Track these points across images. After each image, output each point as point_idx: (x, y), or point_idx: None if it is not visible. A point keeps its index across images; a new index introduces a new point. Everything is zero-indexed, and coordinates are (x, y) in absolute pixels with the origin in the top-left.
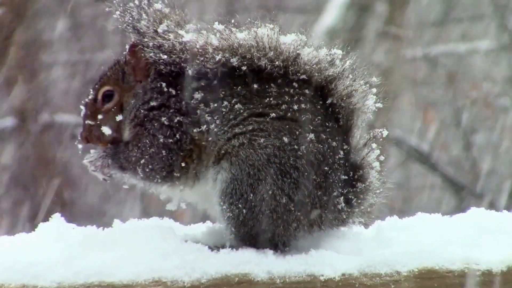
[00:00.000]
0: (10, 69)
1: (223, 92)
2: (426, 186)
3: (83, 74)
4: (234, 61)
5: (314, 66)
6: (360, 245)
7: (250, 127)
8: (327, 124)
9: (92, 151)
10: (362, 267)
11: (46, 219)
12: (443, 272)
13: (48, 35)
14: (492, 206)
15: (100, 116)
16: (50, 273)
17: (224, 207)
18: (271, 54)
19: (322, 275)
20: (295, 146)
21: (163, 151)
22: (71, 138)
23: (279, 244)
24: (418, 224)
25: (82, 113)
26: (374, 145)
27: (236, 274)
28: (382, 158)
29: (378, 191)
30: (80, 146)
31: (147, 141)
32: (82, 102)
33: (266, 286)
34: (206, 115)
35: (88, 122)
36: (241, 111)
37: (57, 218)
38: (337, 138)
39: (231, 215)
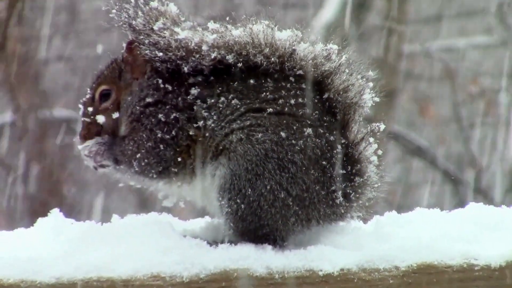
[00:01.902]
0: (9, 64)
1: (219, 88)
2: (425, 181)
3: (82, 69)
4: (230, 58)
5: (310, 61)
6: (359, 240)
7: (248, 122)
8: (325, 119)
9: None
10: (361, 262)
11: (44, 214)
12: (442, 267)
13: (47, 30)
14: (491, 201)
15: (97, 115)
16: (49, 268)
17: (223, 202)
18: (267, 50)
19: (321, 270)
20: (293, 141)
21: (161, 146)
22: (69, 132)
23: (278, 239)
24: (417, 219)
25: (81, 112)
26: (371, 139)
27: (235, 269)
28: (380, 152)
29: (376, 185)
30: (78, 144)
31: (144, 135)
32: (80, 101)
33: (265, 281)
34: (203, 111)
35: (85, 120)
36: (238, 106)
37: (55, 213)
38: (334, 132)
39: (229, 210)
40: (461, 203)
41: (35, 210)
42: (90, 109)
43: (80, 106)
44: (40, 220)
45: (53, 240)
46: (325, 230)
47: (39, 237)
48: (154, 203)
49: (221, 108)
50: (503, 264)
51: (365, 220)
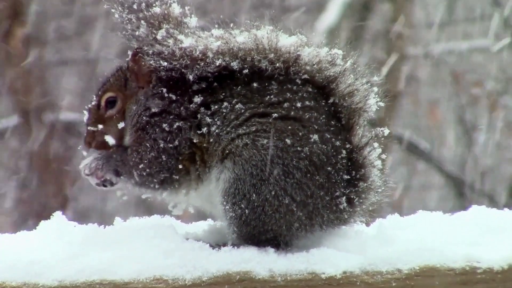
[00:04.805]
0: (14, 67)
1: (223, 94)
2: (428, 184)
3: (87, 72)
4: (235, 64)
5: (315, 66)
6: (361, 243)
7: (253, 128)
8: (331, 123)
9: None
10: (364, 265)
11: (47, 217)
12: (444, 270)
13: (52, 33)
14: (493, 204)
15: (103, 123)
16: (52, 271)
17: (227, 207)
18: (272, 56)
19: (324, 273)
20: (298, 148)
21: (163, 156)
22: (74, 135)
23: (281, 244)
24: (419, 222)
25: (85, 119)
26: (376, 144)
27: (238, 272)
28: (384, 156)
29: (380, 190)
30: (83, 151)
31: (147, 144)
32: (85, 107)
33: (267, 284)
34: (207, 117)
35: (91, 128)
36: (242, 110)
37: (58, 216)
38: (340, 137)
39: (233, 215)
40: (463, 206)
41: (38, 213)
42: (96, 116)
43: (85, 112)
44: (43, 223)
45: (56, 243)
46: (328, 233)
47: (41, 240)
48: (157, 206)
49: (224, 113)
50: (506, 267)
51: (367, 223)
